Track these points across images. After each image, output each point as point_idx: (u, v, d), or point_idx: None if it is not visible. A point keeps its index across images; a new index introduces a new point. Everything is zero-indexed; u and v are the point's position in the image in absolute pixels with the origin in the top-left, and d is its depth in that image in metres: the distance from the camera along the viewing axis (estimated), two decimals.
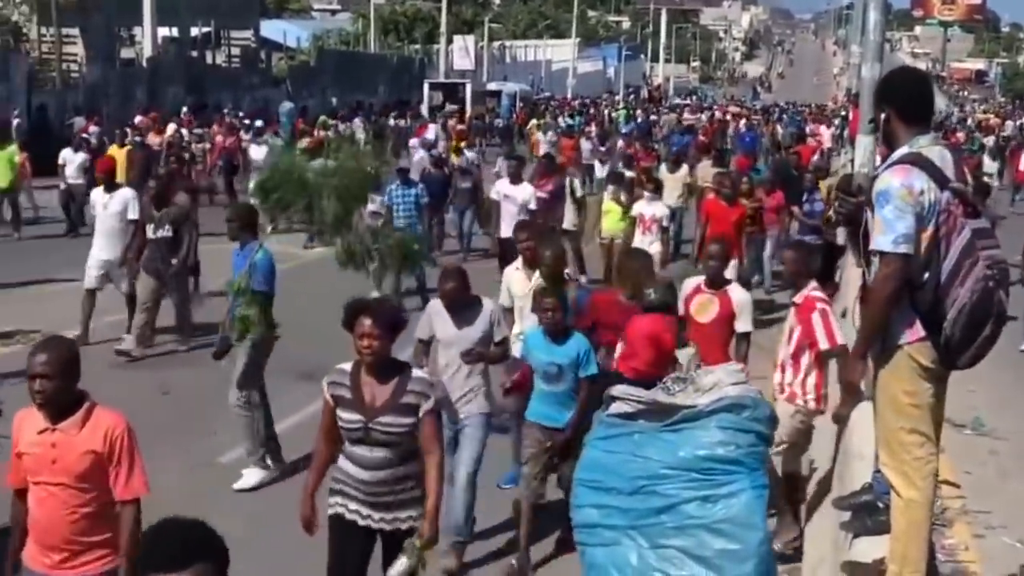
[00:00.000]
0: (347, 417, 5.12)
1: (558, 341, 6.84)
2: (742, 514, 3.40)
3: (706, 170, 19.80)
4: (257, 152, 22.36)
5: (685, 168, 19.18)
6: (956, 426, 9.31)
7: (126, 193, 12.38)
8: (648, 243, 13.16)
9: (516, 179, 14.51)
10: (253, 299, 8.33)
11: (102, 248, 12.20)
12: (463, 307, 6.88)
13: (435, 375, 6.69)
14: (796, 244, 9.57)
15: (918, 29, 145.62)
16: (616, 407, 3.63)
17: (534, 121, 41.24)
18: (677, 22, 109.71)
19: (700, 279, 7.84)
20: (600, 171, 25.38)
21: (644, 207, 13.97)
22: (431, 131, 30.84)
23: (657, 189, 14.53)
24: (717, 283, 7.72)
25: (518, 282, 8.31)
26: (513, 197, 14.17)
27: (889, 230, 4.48)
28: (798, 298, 7.16)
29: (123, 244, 12.08)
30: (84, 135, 23.42)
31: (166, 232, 11.75)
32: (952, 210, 4.57)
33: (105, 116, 29.47)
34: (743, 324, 7.71)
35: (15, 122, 28.74)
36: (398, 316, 5.18)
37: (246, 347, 8.34)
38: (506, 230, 13.48)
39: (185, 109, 31.53)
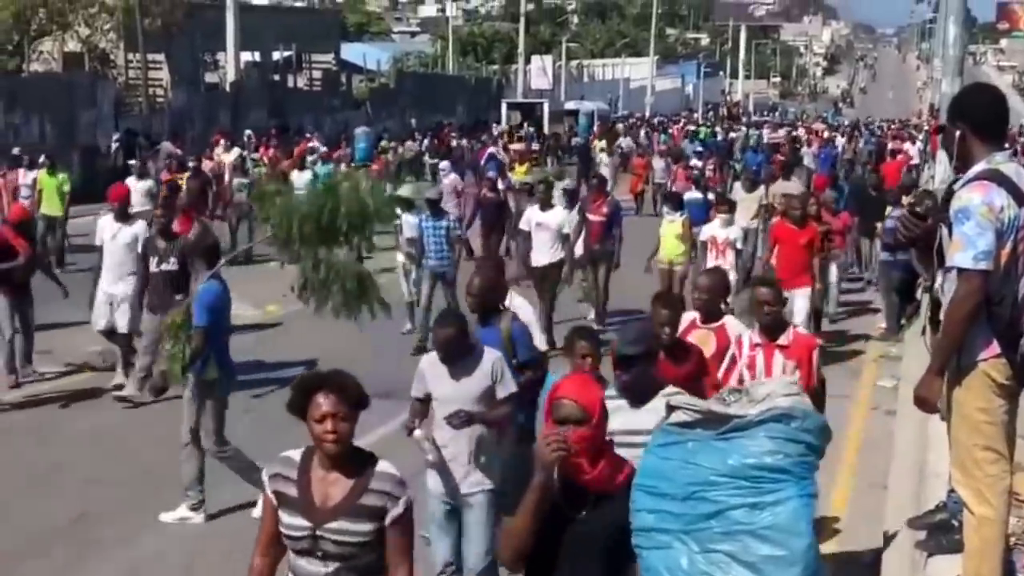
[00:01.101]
0: (290, 522, 4.05)
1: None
2: (788, 521, 3.48)
3: (782, 189, 19.70)
4: (299, 179, 19.54)
5: (761, 188, 18.39)
6: None
7: (139, 226, 11.42)
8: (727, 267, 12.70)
9: (546, 204, 13.83)
10: (194, 334, 7.78)
11: (109, 282, 11.21)
12: (462, 357, 6.09)
13: (431, 438, 6.09)
14: (711, 271, 8.76)
15: (1003, 42, 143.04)
16: (675, 416, 3.76)
17: (597, 143, 38.52)
18: (757, 38, 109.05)
19: (695, 314, 7.16)
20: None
21: (717, 229, 13.48)
22: (494, 153, 29.30)
23: (731, 210, 14.04)
24: (712, 317, 7.12)
25: None
26: (546, 224, 13.52)
27: (970, 246, 4.46)
28: (784, 338, 6.68)
29: (131, 278, 11.15)
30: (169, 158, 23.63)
31: (171, 266, 10.69)
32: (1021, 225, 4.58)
33: (189, 140, 30.15)
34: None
35: (114, 146, 29.57)
36: (362, 391, 4.06)
37: (210, 396, 7.98)
38: (539, 258, 13.38)
39: (248, 133, 30.50)
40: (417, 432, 6.08)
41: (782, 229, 12.77)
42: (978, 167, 4.61)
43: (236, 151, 24.50)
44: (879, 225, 15.19)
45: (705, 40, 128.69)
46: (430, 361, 6.19)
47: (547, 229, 13.46)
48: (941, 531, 5.27)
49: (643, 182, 28.79)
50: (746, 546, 3.48)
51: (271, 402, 9.04)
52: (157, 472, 8.64)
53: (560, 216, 13.62)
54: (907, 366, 10.78)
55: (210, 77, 41.61)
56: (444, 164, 22.48)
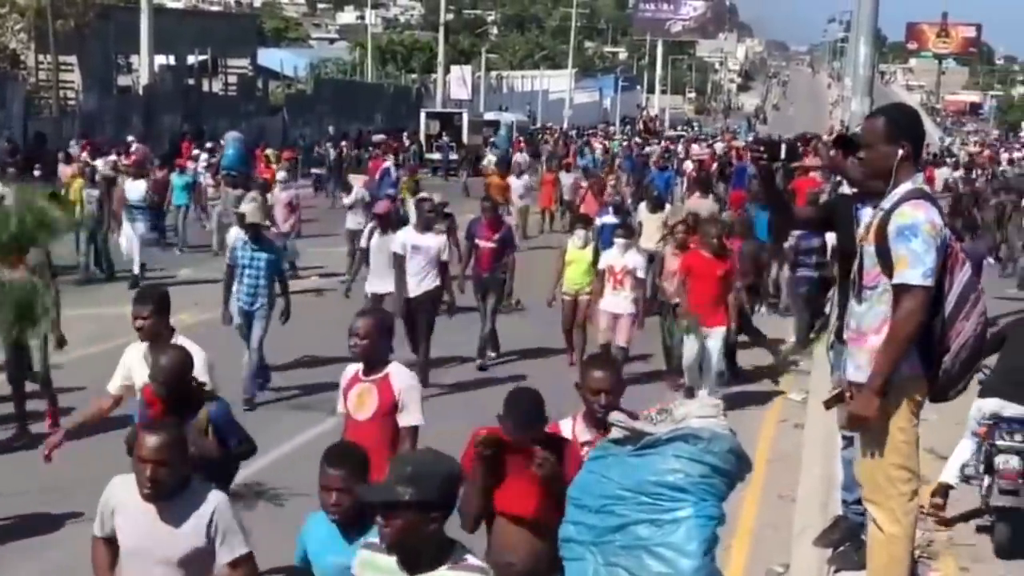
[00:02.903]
0: None
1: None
2: (680, 540, 3.53)
3: (697, 204, 19.48)
4: (133, 189, 18.47)
5: (667, 208, 17.22)
6: (942, 458, 9.31)
7: None
8: (621, 299, 11.85)
9: (427, 226, 12.22)
10: None
11: None
12: (170, 496, 4.24)
13: None
14: (370, 310, 7.29)
15: (912, 62, 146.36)
16: (612, 432, 3.80)
17: (489, 158, 35.20)
18: (673, 54, 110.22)
19: (358, 367, 5.98)
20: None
21: (614, 256, 12.05)
22: (389, 168, 27.23)
23: (629, 235, 12.67)
24: (373, 367, 5.88)
25: None
26: (425, 248, 11.79)
27: (919, 263, 4.50)
28: None
29: None
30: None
31: None
32: (952, 244, 4.67)
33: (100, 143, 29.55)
34: (409, 416, 5.86)
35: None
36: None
37: None
38: (414, 287, 11.77)
39: (132, 139, 29.59)
40: None
41: (696, 259, 11.27)
42: (907, 186, 4.67)
43: (106, 159, 23.70)
44: (787, 244, 15.18)
45: (623, 54, 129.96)
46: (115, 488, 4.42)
47: (425, 255, 11.78)
48: (847, 546, 5.33)
49: (552, 199, 26.69)
50: (641, 563, 3.53)
51: None
52: (62, 485, 8.45)
53: (439, 241, 12.02)
54: (815, 380, 10.96)
55: (124, 80, 40.94)
56: (281, 175, 20.73)
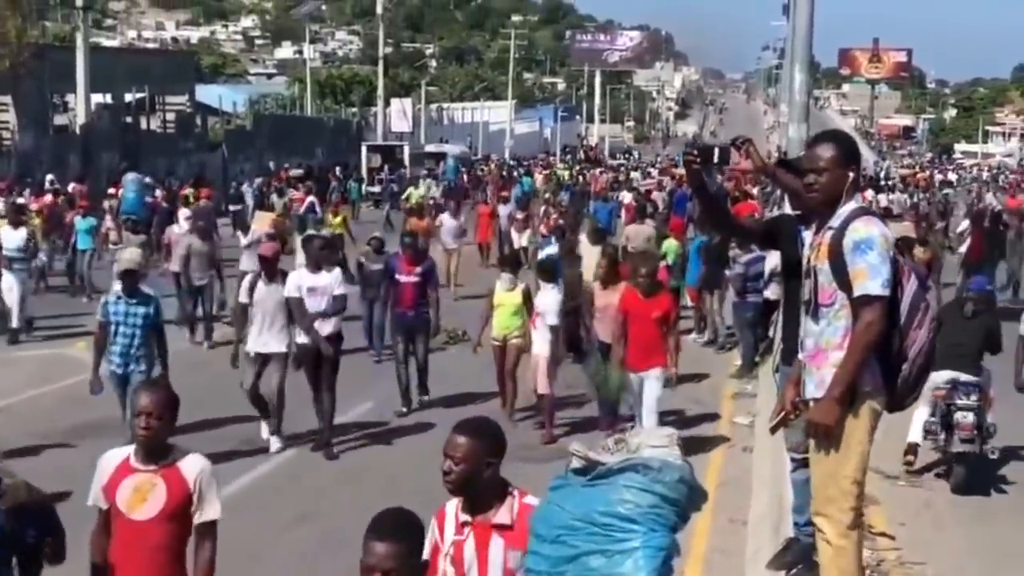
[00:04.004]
0: None
1: None
2: (628, 571, 3.53)
3: (634, 231, 19.10)
4: (12, 238, 16.98)
5: (607, 240, 16.60)
6: (889, 477, 9.44)
7: None
8: (540, 344, 11.44)
9: (318, 266, 10.91)
10: None
11: None
12: (158, 457, 4.85)
13: None
14: (154, 385, 5.47)
15: (846, 87, 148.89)
16: (572, 462, 3.82)
17: (412, 189, 33.94)
18: (611, 83, 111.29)
19: (125, 452, 4.92)
20: (519, 241, 22.74)
21: (540, 297, 11.66)
22: (314, 203, 26.39)
23: (550, 277, 11.74)
24: (155, 455, 4.86)
25: None
26: (322, 288, 10.72)
27: (877, 274, 4.63)
28: (505, 514, 3.96)
29: None
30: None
31: None
32: (900, 258, 4.81)
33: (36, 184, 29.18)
34: (208, 510, 4.91)
35: None
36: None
37: None
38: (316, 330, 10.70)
39: (50, 178, 28.78)
40: None
41: (630, 300, 10.50)
42: (851, 205, 4.80)
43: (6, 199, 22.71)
44: (727, 272, 15.30)
45: (562, 85, 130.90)
46: None
47: (320, 294, 10.75)
48: (799, 568, 5.37)
49: (489, 233, 25.03)
50: None
51: None
52: None
53: (331, 278, 10.87)
54: (762, 403, 11.05)
55: (60, 119, 40.50)
56: (185, 212, 19.09)
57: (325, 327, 10.69)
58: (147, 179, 27.99)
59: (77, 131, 37.46)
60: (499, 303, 11.91)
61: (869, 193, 35.97)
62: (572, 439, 6.33)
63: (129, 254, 10.28)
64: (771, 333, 13.66)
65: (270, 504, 9.37)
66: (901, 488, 9.44)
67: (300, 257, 15.82)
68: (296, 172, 40.49)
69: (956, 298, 11.46)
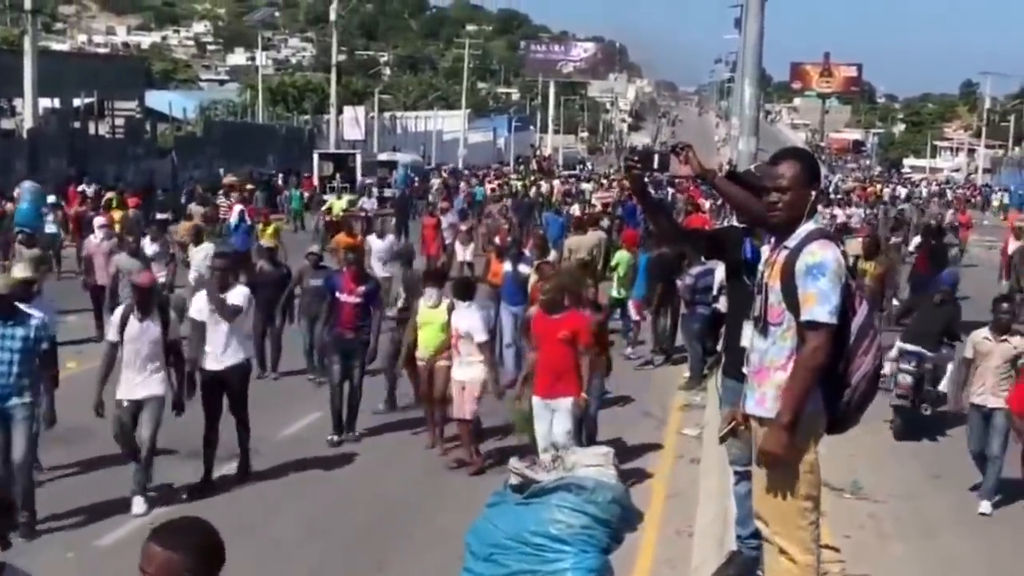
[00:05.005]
0: None
1: None
2: None
3: (576, 241, 18.86)
4: None
5: (553, 255, 15.92)
6: (835, 490, 9.49)
7: None
8: (463, 367, 10.40)
9: (224, 286, 9.92)
10: None
11: None
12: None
13: None
14: None
15: (797, 101, 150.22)
16: (510, 478, 3.78)
17: (333, 199, 31.98)
18: (565, 94, 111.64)
19: None
20: (463, 255, 21.34)
21: (456, 316, 10.57)
22: (242, 210, 24.13)
23: (467, 292, 10.79)
24: None
25: None
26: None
27: (826, 301, 4.62)
28: None
29: None
30: None
31: None
32: (851, 283, 4.82)
33: None
34: None
35: None
36: None
37: None
38: (214, 361, 9.80)
39: None
40: None
41: (536, 319, 9.50)
42: (809, 225, 4.80)
43: None
44: (680, 283, 15.22)
45: (516, 95, 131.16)
46: None
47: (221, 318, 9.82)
48: None
49: (436, 246, 23.24)
50: None
51: None
52: None
53: (243, 293, 10.01)
54: (710, 414, 11.09)
55: (7, 123, 39.99)
56: (99, 220, 17.68)
57: (228, 357, 9.78)
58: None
59: (24, 136, 36.99)
60: (423, 321, 11.05)
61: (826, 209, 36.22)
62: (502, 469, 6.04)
63: (3, 279, 8.88)
64: (719, 346, 13.77)
65: None
66: (846, 500, 9.50)
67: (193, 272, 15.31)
68: (229, 179, 38.00)
69: (931, 292, 13.68)
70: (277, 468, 10.44)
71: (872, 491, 9.89)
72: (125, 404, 9.06)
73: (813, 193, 4.84)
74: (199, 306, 9.88)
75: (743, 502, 6.03)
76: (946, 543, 8.90)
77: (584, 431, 9.93)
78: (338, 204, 30.47)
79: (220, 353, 9.77)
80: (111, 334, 9.20)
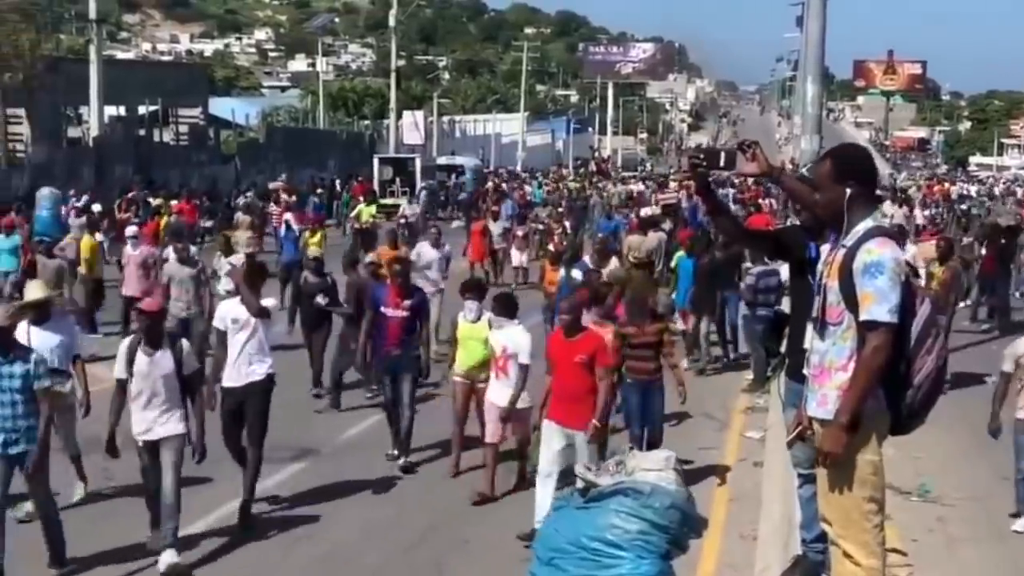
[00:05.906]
0: None
1: None
2: None
3: (636, 241, 18.47)
4: None
5: (614, 263, 15.21)
6: (902, 493, 9.32)
7: None
8: (504, 391, 9.60)
9: (253, 280, 9.39)
10: None
11: None
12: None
13: None
14: None
15: (860, 99, 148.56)
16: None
17: (362, 206, 30.58)
18: (624, 95, 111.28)
19: None
20: (518, 260, 21.31)
21: (495, 337, 9.81)
22: (289, 219, 22.27)
23: (510, 308, 10.00)
24: None
25: None
26: (245, 320, 9.02)
27: (885, 300, 4.54)
28: None
29: None
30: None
31: None
32: (913, 282, 4.69)
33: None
34: None
35: None
36: None
37: None
38: (237, 375, 9.00)
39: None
40: None
41: (553, 341, 8.89)
42: (867, 223, 4.70)
43: None
44: (743, 285, 15.05)
45: (574, 97, 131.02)
46: None
47: (245, 328, 9.05)
48: None
49: (483, 253, 22.82)
50: None
51: None
52: None
53: (269, 304, 9.52)
54: (773, 417, 10.96)
55: (74, 132, 40.62)
56: (131, 230, 17.08)
57: (252, 372, 8.99)
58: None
59: (90, 144, 37.58)
60: (463, 337, 10.34)
61: (887, 206, 35.52)
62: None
63: (3, 310, 7.74)
64: (783, 348, 13.58)
65: None
66: (914, 503, 9.33)
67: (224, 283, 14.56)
68: (275, 184, 37.09)
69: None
70: (337, 470, 10.54)
71: (941, 494, 9.71)
72: (141, 444, 8.08)
73: (847, 191, 4.72)
74: (221, 314, 9.24)
75: (807, 505, 5.95)
76: (1018, 547, 8.69)
77: (647, 437, 9.72)
78: (367, 211, 29.41)
79: (246, 366, 8.96)
80: (118, 370, 8.04)
